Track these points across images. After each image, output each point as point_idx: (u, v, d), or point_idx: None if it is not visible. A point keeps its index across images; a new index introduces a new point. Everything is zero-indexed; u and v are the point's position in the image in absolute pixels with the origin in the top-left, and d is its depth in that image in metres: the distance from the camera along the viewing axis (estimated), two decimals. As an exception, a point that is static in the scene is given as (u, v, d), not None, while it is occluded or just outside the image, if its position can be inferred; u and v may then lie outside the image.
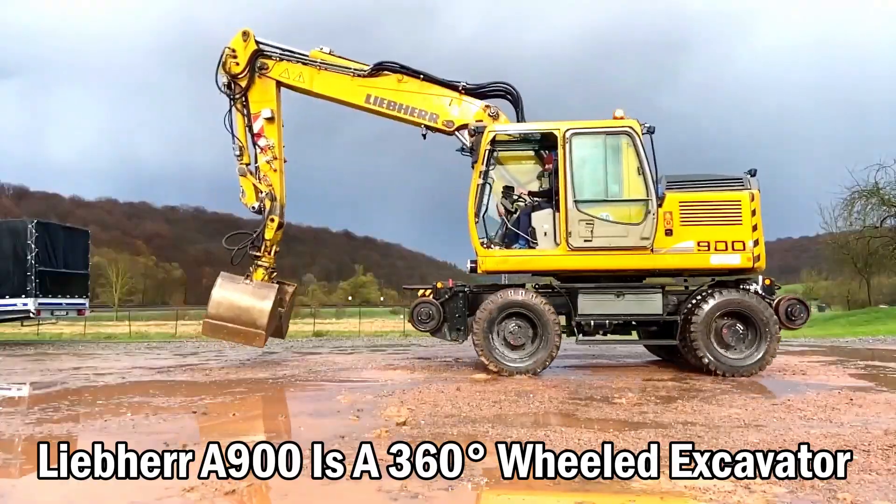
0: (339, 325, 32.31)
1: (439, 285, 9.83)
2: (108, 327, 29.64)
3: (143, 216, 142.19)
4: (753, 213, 9.14)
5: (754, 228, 9.14)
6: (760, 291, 9.30)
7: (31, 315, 17.06)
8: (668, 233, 9.17)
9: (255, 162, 10.76)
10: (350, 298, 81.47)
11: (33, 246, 16.89)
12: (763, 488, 3.85)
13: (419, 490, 3.86)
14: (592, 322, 9.42)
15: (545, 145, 10.20)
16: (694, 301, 9.33)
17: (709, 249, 9.14)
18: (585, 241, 9.08)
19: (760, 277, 9.47)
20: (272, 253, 10.70)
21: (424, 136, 10.47)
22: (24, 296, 16.77)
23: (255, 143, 10.71)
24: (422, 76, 10.37)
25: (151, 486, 4.00)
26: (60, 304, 17.94)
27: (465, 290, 9.81)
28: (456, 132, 10.38)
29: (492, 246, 9.56)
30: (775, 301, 9.35)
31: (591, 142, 9.38)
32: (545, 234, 9.44)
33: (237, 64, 10.39)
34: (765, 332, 9.05)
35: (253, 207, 10.69)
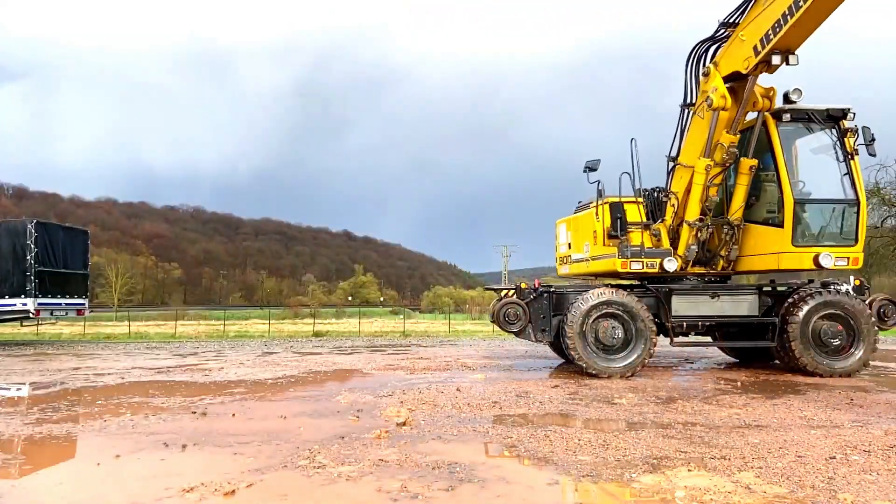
0: (339, 326, 32.20)
1: (523, 285, 9.56)
2: (108, 327, 29.56)
3: (143, 216, 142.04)
4: None
5: None
6: (852, 292, 9.34)
7: (31, 315, 17.03)
8: None
9: None
10: (350, 298, 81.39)
11: (33, 246, 16.87)
12: (763, 488, 3.84)
13: (419, 490, 3.86)
14: (685, 324, 9.34)
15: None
16: (790, 302, 9.24)
17: None
18: None
19: (851, 278, 9.56)
20: None
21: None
22: (23, 296, 16.76)
23: None
24: None
25: (151, 485, 4.00)
26: (60, 304, 17.92)
27: (550, 290, 9.58)
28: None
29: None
30: (867, 301, 9.36)
31: None
32: None
33: None
34: (863, 332, 9.02)
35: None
